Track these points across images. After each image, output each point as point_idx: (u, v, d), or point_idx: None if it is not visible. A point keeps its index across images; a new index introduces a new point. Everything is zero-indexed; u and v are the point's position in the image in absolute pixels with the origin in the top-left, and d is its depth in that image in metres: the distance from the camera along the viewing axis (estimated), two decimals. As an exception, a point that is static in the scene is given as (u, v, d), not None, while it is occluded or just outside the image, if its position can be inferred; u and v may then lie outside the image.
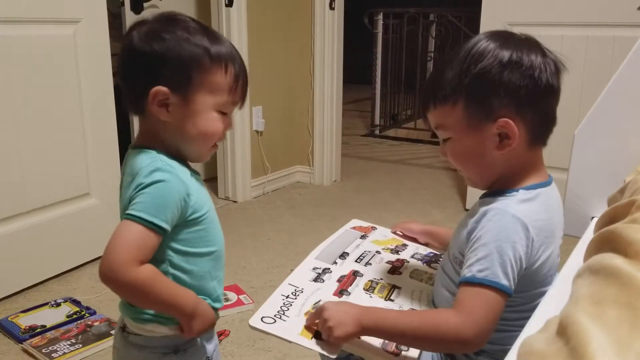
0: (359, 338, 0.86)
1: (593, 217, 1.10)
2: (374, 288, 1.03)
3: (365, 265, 1.10)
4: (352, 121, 5.14)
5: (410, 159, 4.00)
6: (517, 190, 0.86)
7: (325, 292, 1.00)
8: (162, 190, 0.83)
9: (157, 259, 0.85)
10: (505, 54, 0.84)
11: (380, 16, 4.57)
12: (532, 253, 0.83)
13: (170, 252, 0.88)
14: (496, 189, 0.89)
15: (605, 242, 0.67)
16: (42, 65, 1.93)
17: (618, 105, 1.12)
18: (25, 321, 1.75)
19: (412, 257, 1.16)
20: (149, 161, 0.84)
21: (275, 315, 0.91)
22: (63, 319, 1.77)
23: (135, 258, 0.80)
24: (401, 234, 1.23)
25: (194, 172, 0.93)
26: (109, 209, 2.24)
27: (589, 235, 0.94)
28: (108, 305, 1.89)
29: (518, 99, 0.83)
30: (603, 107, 1.14)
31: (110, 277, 0.80)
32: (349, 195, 3.18)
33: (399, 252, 1.17)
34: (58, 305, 1.86)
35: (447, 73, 0.88)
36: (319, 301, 0.96)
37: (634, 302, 0.51)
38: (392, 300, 1.00)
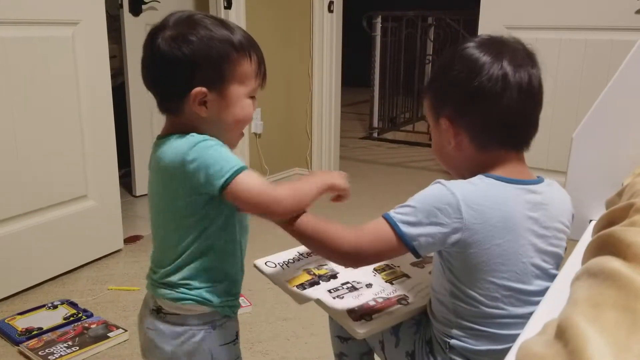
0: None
1: (591, 220, 1.10)
2: (384, 271, 1.07)
3: None
4: (350, 124, 5.14)
5: (408, 161, 4.00)
6: (477, 175, 0.89)
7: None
8: (220, 147, 0.87)
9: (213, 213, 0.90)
10: (452, 58, 0.90)
11: (379, 19, 4.57)
12: (464, 233, 0.83)
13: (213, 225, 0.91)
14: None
15: (604, 245, 0.67)
16: (41, 67, 1.93)
17: (616, 108, 1.13)
18: (22, 323, 1.74)
19: None
20: (192, 138, 0.87)
21: (279, 263, 1.03)
22: (60, 321, 1.77)
23: (268, 186, 0.88)
24: None
25: None
26: (106, 210, 2.24)
27: (587, 238, 0.94)
28: (105, 307, 1.89)
29: (454, 100, 0.89)
30: (601, 111, 1.14)
31: (273, 208, 0.88)
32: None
33: None
34: (55, 307, 1.85)
35: (431, 71, 0.96)
36: (325, 265, 1.04)
37: (633, 305, 0.51)
38: (392, 284, 1.04)
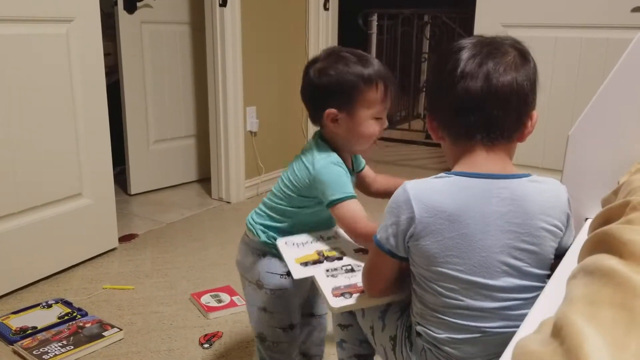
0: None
1: (587, 219, 1.10)
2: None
3: None
4: (346, 122, 5.14)
5: (404, 160, 4.01)
6: (440, 174, 0.92)
7: (351, 246, 1.15)
8: (336, 172, 1.17)
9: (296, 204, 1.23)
10: (436, 55, 0.99)
11: (375, 17, 4.57)
12: (417, 227, 0.87)
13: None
14: None
15: (600, 243, 0.67)
16: (35, 64, 1.91)
17: (612, 106, 1.13)
18: (16, 322, 1.74)
19: None
20: (325, 157, 1.18)
21: (296, 243, 1.16)
22: (54, 320, 1.76)
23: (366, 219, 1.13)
24: None
25: (347, 169, 1.22)
26: (101, 209, 2.23)
27: (582, 236, 0.94)
28: (100, 306, 1.88)
29: (428, 96, 0.99)
30: (597, 109, 1.14)
31: (368, 238, 1.07)
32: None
33: None
34: (49, 306, 1.84)
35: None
36: (338, 248, 1.14)
37: (629, 302, 0.51)
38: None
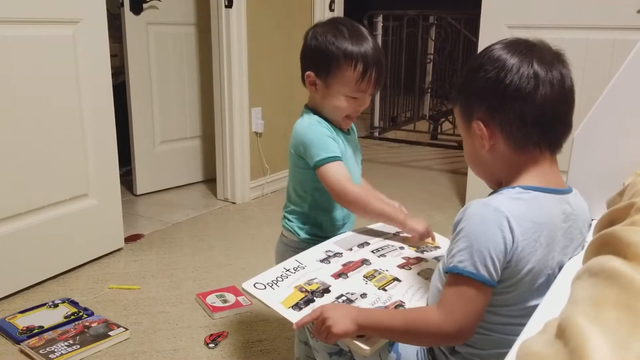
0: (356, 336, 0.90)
1: (592, 220, 1.10)
2: (374, 277, 1.05)
3: (379, 257, 1.11)
4: (351, 123, 5.15)
5: (409, 161, 4.00)
6: (514, 188, 0.86)
7: (325, 272, 1.04)
8: (318, 136, 1.21)
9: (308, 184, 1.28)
10: (481, 58, 0.88)
11: (380, 18, 4.57)
12: (516, 249, 0.81)
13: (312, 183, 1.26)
14: (499, 189, 0.90)
15: (605, 245, 0.67)
16: (42, 66, 1.93)
17: (617, 108, 1.12)
18: (23, 322, 1.75)
19: (436, 258, 1.15)
20: (306, 121, 1.24)
21: (267, 283, 1.00)
22: (61, 319, 1.77)
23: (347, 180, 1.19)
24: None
25: (339, 130, 1.27)
26: (107, 209, 2.24)
27: (587, 237, 0.94)
28: (106, 306, 1.89)
29: (486, 102, 0.87)
30: (602, 110, 1.13)
31: (353, 201, 1.18)
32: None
33: (424, 252, 1.17)
34: (56, 306, 1.85)
35: (459, 76, 0.97)
36: (314, 279, 1.01)
37: (634, 303, 0.51)
38: (385, 290, 1.01)
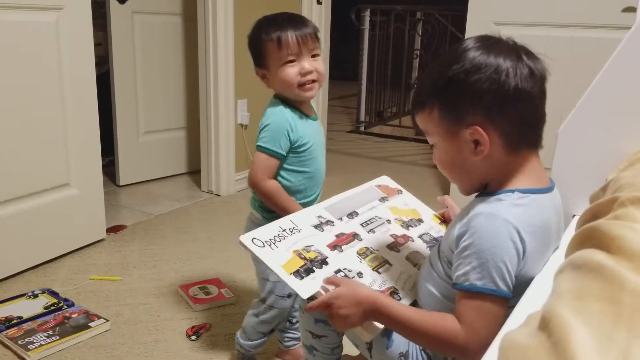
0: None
1: (574, 215, 1.11)
2: (367, 256, 1.06)
3: (368, 232, 1.13)
4: (337, 117, 5.13)
5: (394, 156, 4.01)
6: (513, 192, 0.84)
7: (321, 241, 1.04)
8: (274, 126, 1.31)
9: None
10: (471, 59, 0.83)
11: (368, 12, 4.56)
12: (526, 258, 0.82)
13: (280, 168, 1.33)
14: (492, 190, 0.88)
15: (588, 238, 0.68)
16: (23, 53, 1.89)
17: (601, 105, 1.13)
18: (1, 312, 1.72)
19: (420, 237, 1.17)
20: (270, 108, 1.34)
21: (266, 241, 0.99)
22: (40, 310, 1.75)
23: (263, 174, 1.31)
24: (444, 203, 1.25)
25: (306, 116, 1.35)
26: (89, 200, 2.22)
27: (570, 232, 0.95)
28: (87, 297, 1.87)
29: (485, 105, 0.82)
30: (586, 107, 1.14)
31: (260, 191, 1.31)
32: (332, 190, 3.17)
33: (409, 228, 1.19)
34: (35, 296, 1.83)
35: (427, 78, 0.89)
36: (311, 246, 1.01)
37: (617, 296, 0.51)
38: (379, 273, 1.03)
